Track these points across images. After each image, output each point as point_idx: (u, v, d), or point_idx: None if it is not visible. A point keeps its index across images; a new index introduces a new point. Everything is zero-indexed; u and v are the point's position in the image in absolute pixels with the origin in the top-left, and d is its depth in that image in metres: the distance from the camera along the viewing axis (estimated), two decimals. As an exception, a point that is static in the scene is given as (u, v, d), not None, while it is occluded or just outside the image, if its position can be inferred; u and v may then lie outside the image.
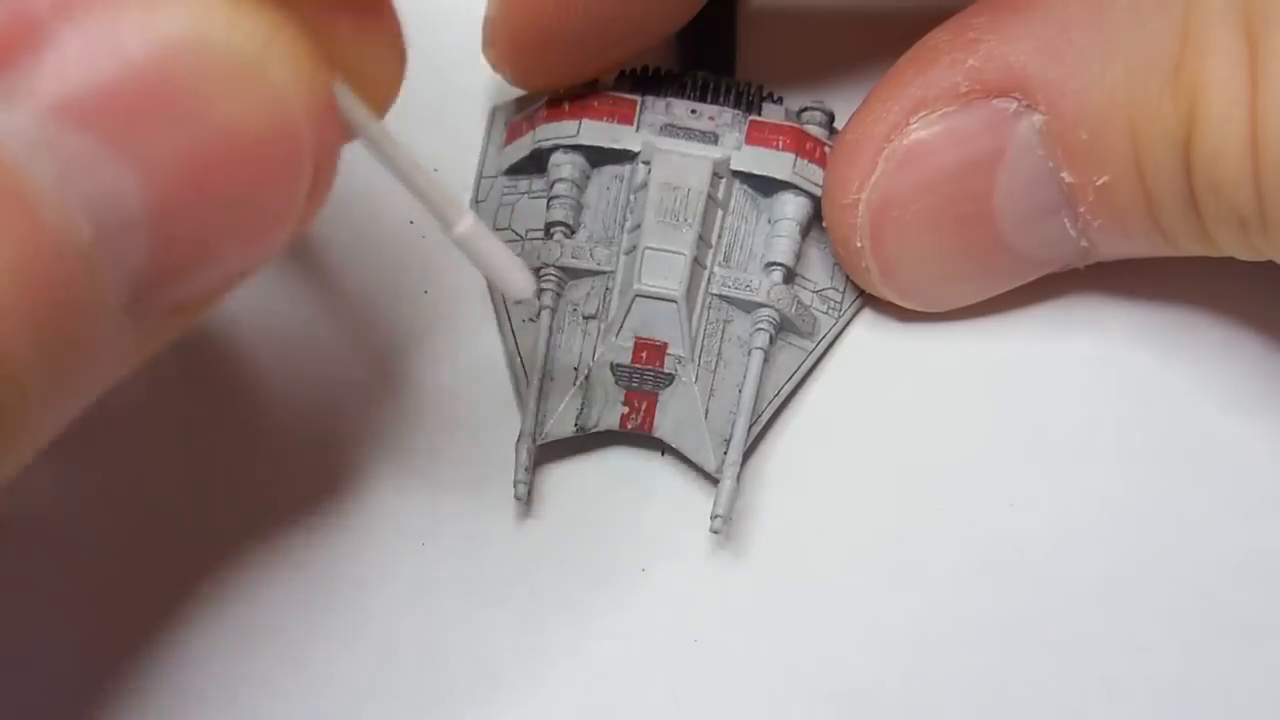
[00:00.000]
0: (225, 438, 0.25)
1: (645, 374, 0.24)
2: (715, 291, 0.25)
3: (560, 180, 0.26)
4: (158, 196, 0.17)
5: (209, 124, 0.16)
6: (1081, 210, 0.23)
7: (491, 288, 0.26)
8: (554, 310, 0.25)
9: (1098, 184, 0.23)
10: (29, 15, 0.16)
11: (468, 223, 0.19)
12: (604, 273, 0.25)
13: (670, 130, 0.26)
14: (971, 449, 0.25)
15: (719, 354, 0.25)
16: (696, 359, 0.25)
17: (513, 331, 0.25)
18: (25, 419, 0.17)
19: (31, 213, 0.16)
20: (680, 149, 0.25)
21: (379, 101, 0.19)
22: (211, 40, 0.16)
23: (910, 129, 0.24)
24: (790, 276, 0.25)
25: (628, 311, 0.24)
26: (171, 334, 0.18)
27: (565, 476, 0.25)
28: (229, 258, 0.18)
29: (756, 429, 0.24)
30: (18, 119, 0.16)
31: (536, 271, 0.25)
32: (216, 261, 0.18)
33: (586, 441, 0.25)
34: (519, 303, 0.23)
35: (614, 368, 0.24)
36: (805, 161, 0.25)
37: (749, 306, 0.25)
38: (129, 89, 0.16)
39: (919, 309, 0.25)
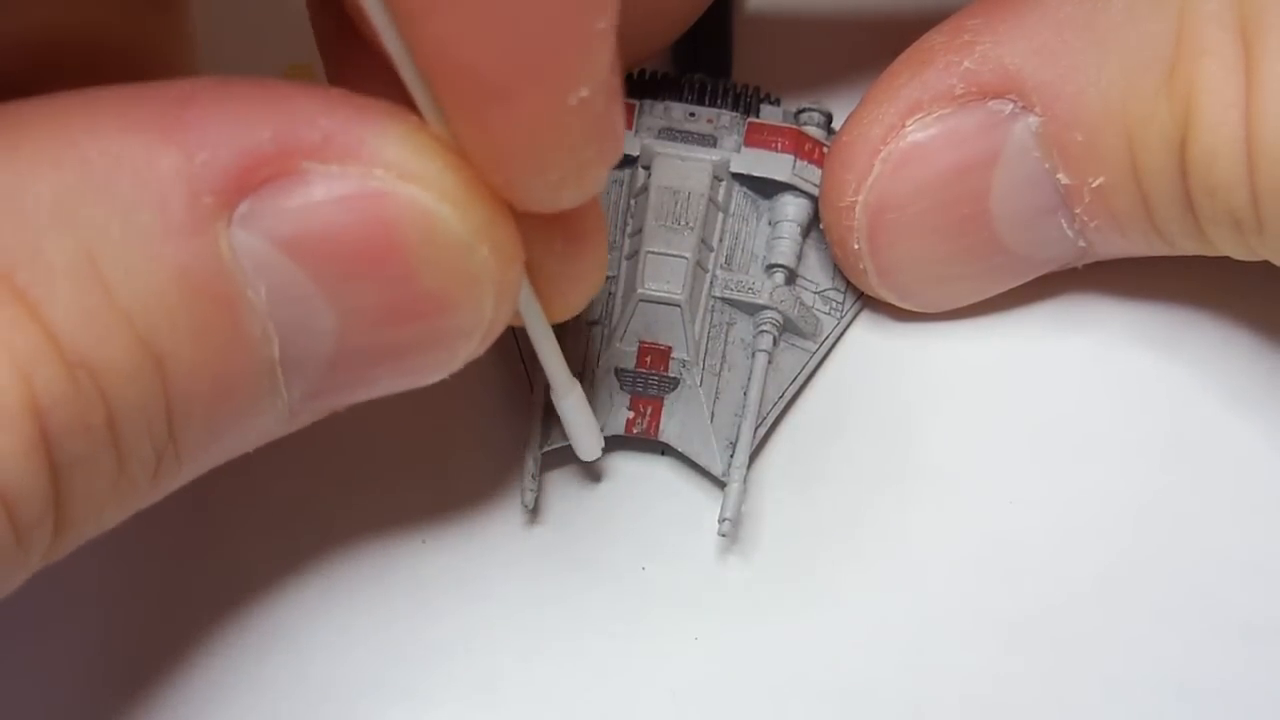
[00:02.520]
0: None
1: (650, 378, 0.25)
2: (718, 294, 0.25)
3: (560, 185, 0.26)
4: (347, 338, 0.19)
5: (411, 287, 0.18)
6: (1078, 211, 0.23)
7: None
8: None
9: (1093, 185, 0.23)
10: (293, 149, 0.17)
11: (574, 396, 0.23)
12: (606, 277, 0.25)
13: (668, 134, 0.26)
14: (971, 448, 0.25)
15: (723, 357, 0.25)
16: (701, 362, 0.25)
17: (516, 338, 0.25)
18: (176, 474, 0.19)
19: (238, 322, 0.18)
20: (679, 152, 0.25)
21: (566, 303, 0.21)
22: (442, 221, 0.18)
23: (906, 131, 0.24)
24: (792, 278, 0.25)
25: (631, 316, 0.25)
26: (310, 421, 0.21)
27: (565, 476, 0.25)
28: (384, 387, 0.20)
29: (762, 431, 0.25)
30: (253, 241, 0.18)
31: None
32: (373, 389, 0.20)
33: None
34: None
35: (618, 372, 0.25)
36: (804, 163, 0.26)
37: (752, 309, 0.25)
38: (355, 241, 0.18)
39: (917, 310, 0.26)
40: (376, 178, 0.17)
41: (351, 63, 0.21)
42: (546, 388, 0.24)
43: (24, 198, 0.17)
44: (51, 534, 0.18)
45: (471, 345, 0.19)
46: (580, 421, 0.23)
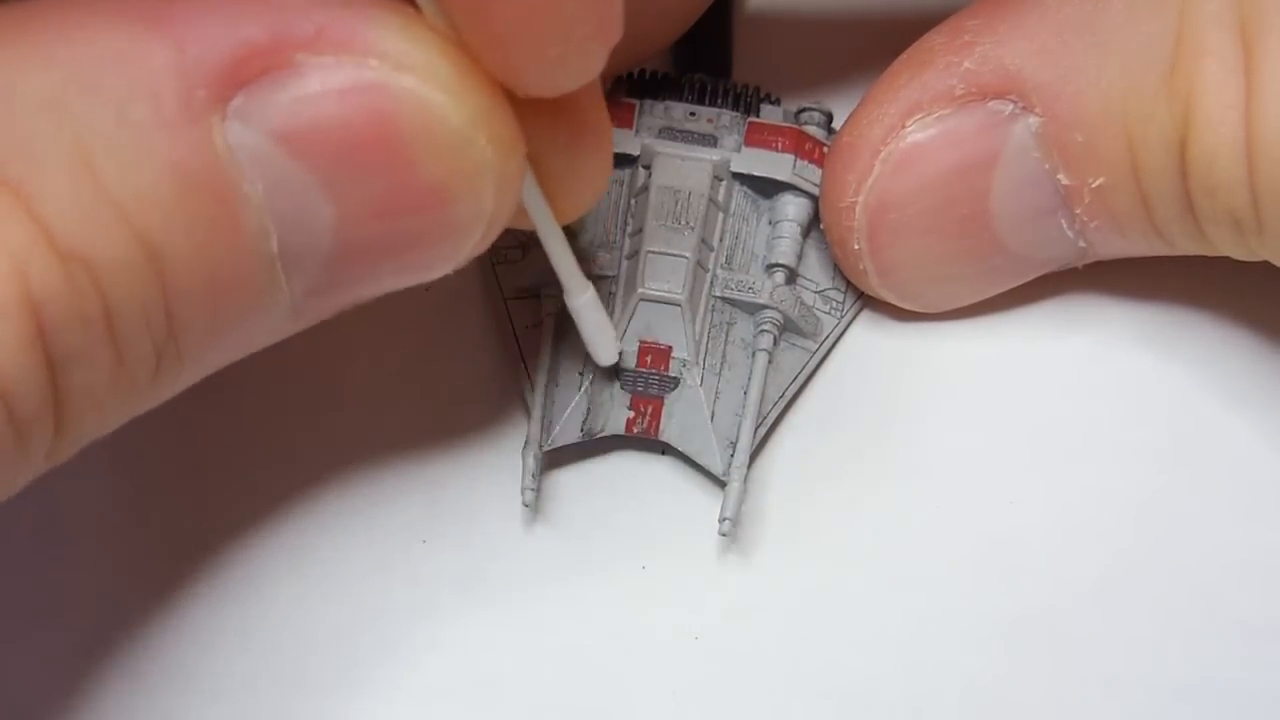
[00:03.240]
0: (226, 437, 0.25)
1: (650, 378, 0.25)
2: (718, 294, 0.25)
3: (561, 186, 0.26)
4: (346, 231, 0.18)
5: (409, 179, 0.18)
6: (1078, 211, 0.23)
7: (495, 290, 0.26)
8: (557, 316, 0.25)
9: (1094, 186, 0.23)
10: (286, 41, 0.17)
11: (587, 296, 0.23)
12: (607, 277, 0.25)
13: (669, 133, 0.26)
14: (971, 448, 0.25)
15: (723, 356, 0.25)
16: (701, 362, 0.25)
17: (516, 338, 0.25)
18: (178, 373, 0.19)
19: (235, 216, 0.18)
20: (680, 152, 0.25)
21: (573, 201, 0.21)
22: (437, 109, 0.18)
23: (906, 131, 0.24)
24: (792, 277, 0.25)
25: (631, 315, 0.25)
26: (316, 320, 0.20)
27: (565, 476, 0.25)
28: (388, 283, 0.20)
29: (762, 431, 0.25)
30: (248, 134, 0.17)
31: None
32: (373, 289, 0.20)
33: (590, 444, 0.25)
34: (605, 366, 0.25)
35: (619, 372, 0.25)
36: (805, 162, 0.26)
37: (752, 308, 0.25)
38: (351, 133, 0.18)
39: (917, 310, 0.26)
40: (371, 68, 0.17)
41: None
42: (546, 386, 0.24)
43: (14, 94, 0.17)
44: (52, 432, 0.18)
45: (473, 240, 0.19)
46: (595, 321, 0.23)
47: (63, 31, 0.17)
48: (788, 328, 0.25)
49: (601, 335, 0.23)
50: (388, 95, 0.17)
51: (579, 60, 0.18)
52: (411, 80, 0.17)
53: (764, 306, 0.25)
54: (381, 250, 0.19)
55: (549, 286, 0.25)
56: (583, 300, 0.22)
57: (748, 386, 0.25)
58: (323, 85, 0.17)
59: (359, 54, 0.17)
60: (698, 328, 0.25)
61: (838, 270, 0.26)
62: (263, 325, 0.19)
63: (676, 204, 0.25)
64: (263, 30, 0.17)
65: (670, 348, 0.25)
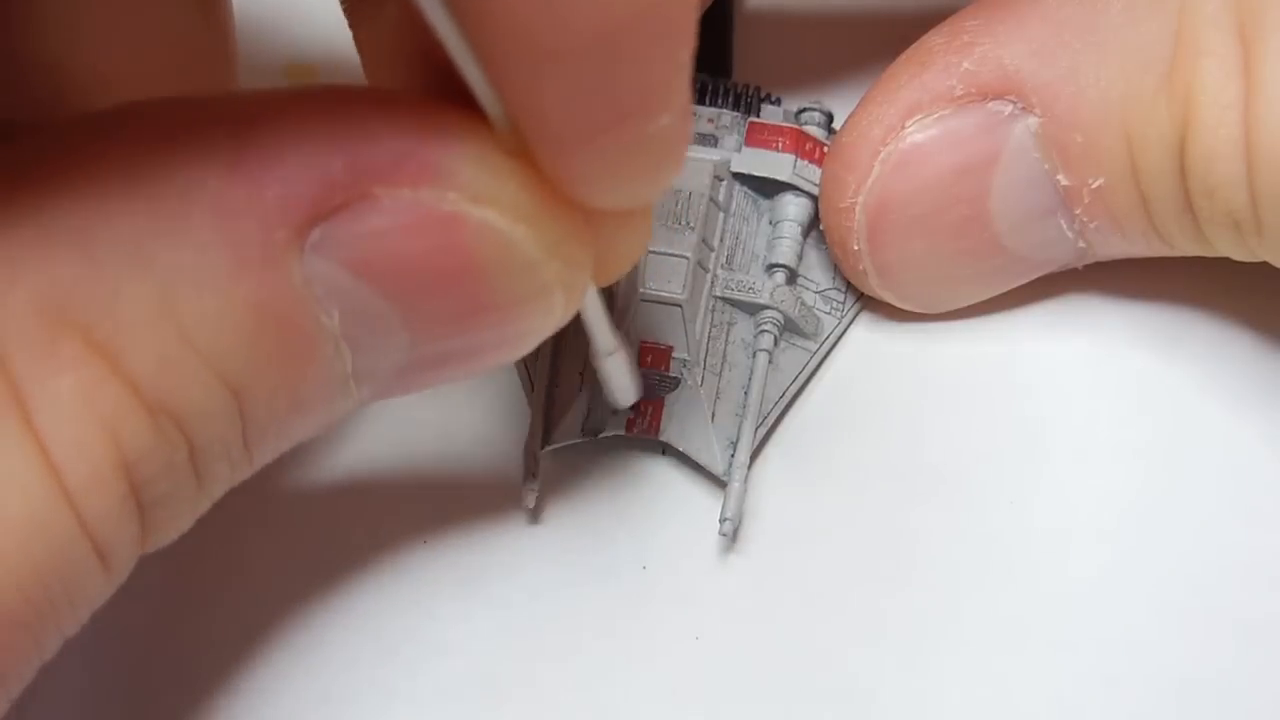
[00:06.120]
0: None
1: (650, 378, 0.25)
2: (718, 294, 0.25)
3: (561, 186, 0.26)
4: (419, 349, 0.19)
5: (484, 301, 0.18)
6: (1078, 212, 0.23)
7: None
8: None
9: (1093, 186, 0.23)
10: (364, 174, 0.17)
11: (617, 355, 0.22)
12: (607, 277, 0.25)
13: (670, 134, 0.26)
14: (971, 448, 0.25)
15: (724, 357, 0.25)
16: (702, 362, 0.25)
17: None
18: (245, 475, 0.19)
19: (312, 346, 0.18)
20: (680, 152, 0.25)
21: (613, 268, 0.21)
22: (518, 244, 0.18)
23: (906, 132, 0.24)
24: (793, 278, 0.25)
25: (631, 316, 0.25)
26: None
27: (565, 476, 0.25)
28: (453, 380, 0.20)
29: (762, 431, 0.25)
30: (325, 265, 0.17)
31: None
32: (443, 382, 0.20)
33: (590, 444, 0.25)
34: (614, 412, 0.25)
35: (619, 372, 0.25)
36: (805, 162, 0.26)
37: (752, 309, 0.25)
38: (429, 265, 0.18)
39: (917, 310, 0.26)
40: (450, 201, 0.17)
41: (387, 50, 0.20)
42: (547, 387, 0.25)
43: (95, 240, 0.16)
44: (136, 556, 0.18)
45: (539, 339, 0.19)
46: (620, 377, 0.23)
47: (142, 168, 0.17)
48: (788, 328, 0.25)
49: (625, 387, 0.23)
50: (466, 229, 0.17)
51: (648, 192, 0.18)
52: (490, 213, 0.17)
53: (764, 307, 0.25)
54: (451, 359, 0.19)
55: None
56: (611, 360, 0.22)
57: (748, 386, 0.25)
58: (401, 219, 0.17)
59: (438, 186, 0.17)
60: (698, 328, 0.25)
61: (838, 270, 0.26)
62: (328, 423, 0.20)
63: (677, 204, 0.25)
64: (340, 164, 0.17)
65: (670, 348, 0.25)
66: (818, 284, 0.26)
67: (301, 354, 0.18)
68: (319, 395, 0.19)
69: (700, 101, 0.26)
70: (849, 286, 0.26)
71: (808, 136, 0.26)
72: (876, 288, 0.25)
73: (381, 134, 0.17)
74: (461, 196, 0.17)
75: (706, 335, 0.25)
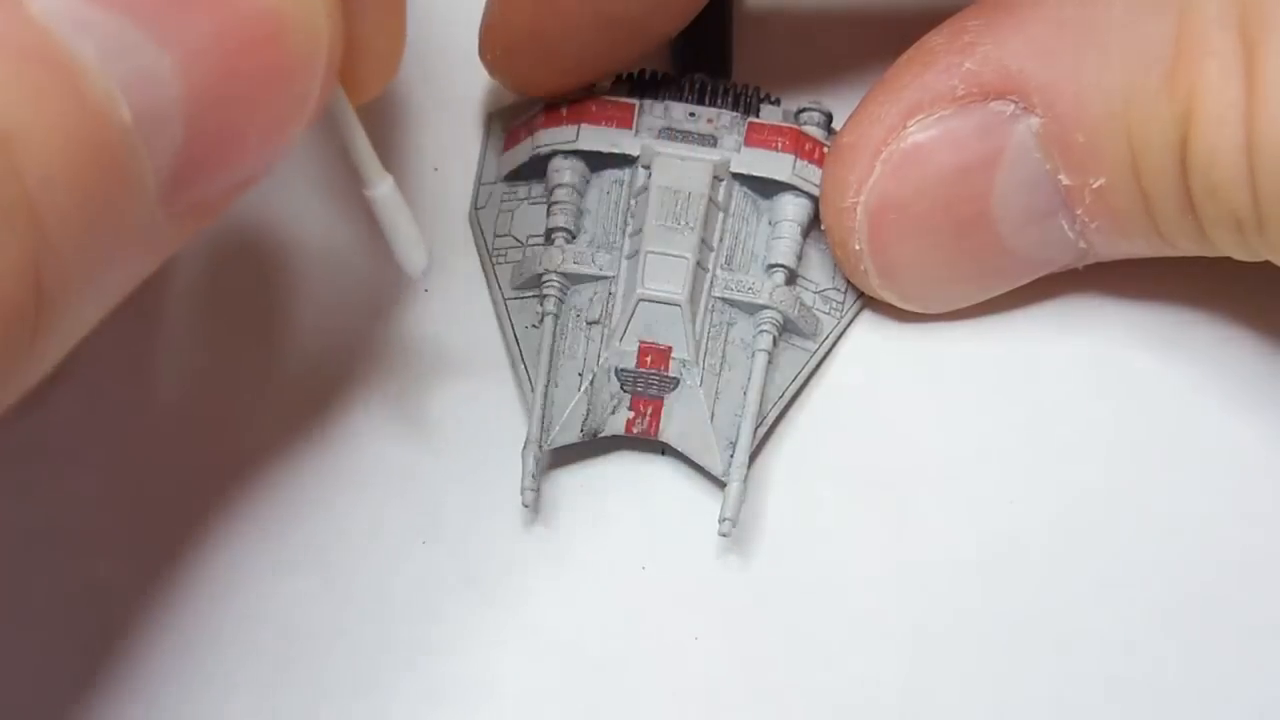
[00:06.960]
0: (225, 437, 0.25)
1: (650, 378, 0.25)
2: (718, 294, 0.25)
3: (560, 186, 0.26)
4: (193, 82, 0.17)
5: (243, 11, 0.17)
6: (1079, 212, 0.23)
7: (494, 290, 0.26)
8: (557, 316, 0.25)
9: (1095, 186, 0.23)
10: None
11: (386, 187, 0.20)
12: (606, 277, 0.25)
13: (669, 134, 0.26)
14: (971, 448, 0.25)
15: (723, 356, 0.25)
16: (701, 362, 0.25)
17: (516, 338, 0.25)
18: (64, 304, 0.17)
19: (77, 85, 0.16)
20: (679, 152, 0.25)
21: (371, 72, 0.20)
22: None
23: (907, 132, 0.24)
24: (792, 278, 0.25)
25: (631, 316, 0.25)
26: (190, 235, 0.19)
27: (565, 476, 0.25)
28: (250, 151, 0.18)
29: (761, 431, 0.25)
30: (59, 1, 0.16)
31: (538, 277, 0.25)
32: (240, 155, 0.18)
33: (589, 444, 0.25)
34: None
35: (619, 372, 0.25)
36: (804, 163, 0.26)
37: (752, 309, 0.25)
38: None
39: (918, 310, 0.26)
40: None
41: None
42: (545, 387, 0.24)
43: None
44: None
45: (319, 74, 0.18)
46: (397, 219, 0.21)
47: None
48: (788, 328, 0.25)
49: (406, 234, 0.21)
50: None
51: None
52: None
53: (764, 307, 0.25)
54: (234, 103, 0.18)
55: (547, 282, 0.25)
56: (381, 191, 0.21)
57: (748, 387, 0.25)
58: None
59: None
60: (698, 328, 0.25)
61: (838, 270, 0.26)
62: (137, 223, 0.18)
63: (676, 204, 0.25)
64: None
65: (670, 348, 0.25)
66: (817, 284, 0.26)
67: (68, 91, 0.16)
68: (105, 153, 0.17)
69: (700, 101, 0.26)
70: (848, 286, 0.26)
71: (807, 137, 0.26)
72: (877, 288, 0.25)
73: None
74: None
75: (706, 335, 0.25)
